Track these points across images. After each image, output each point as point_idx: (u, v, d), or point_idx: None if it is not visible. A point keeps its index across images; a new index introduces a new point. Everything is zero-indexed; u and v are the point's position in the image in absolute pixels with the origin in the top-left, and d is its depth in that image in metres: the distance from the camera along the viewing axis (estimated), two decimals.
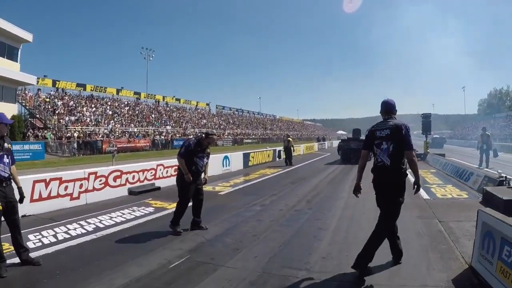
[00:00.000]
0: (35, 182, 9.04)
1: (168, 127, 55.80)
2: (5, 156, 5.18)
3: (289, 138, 24.53)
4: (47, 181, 9.42)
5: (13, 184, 5.38)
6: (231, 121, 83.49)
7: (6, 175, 5.15)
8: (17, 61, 36.61)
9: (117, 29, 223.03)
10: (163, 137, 47.92)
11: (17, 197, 5.38)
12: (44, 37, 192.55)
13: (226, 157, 19.36)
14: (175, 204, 7.53)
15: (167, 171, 13.89)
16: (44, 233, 7.08)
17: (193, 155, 7.25)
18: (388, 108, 5.11)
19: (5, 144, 5.23)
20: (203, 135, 7.54)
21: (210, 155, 7.87)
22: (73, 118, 42.06)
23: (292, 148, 24.42)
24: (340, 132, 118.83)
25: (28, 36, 36.68)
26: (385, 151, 4.80)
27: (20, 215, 5.46)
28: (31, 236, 6.70)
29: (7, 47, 35.11)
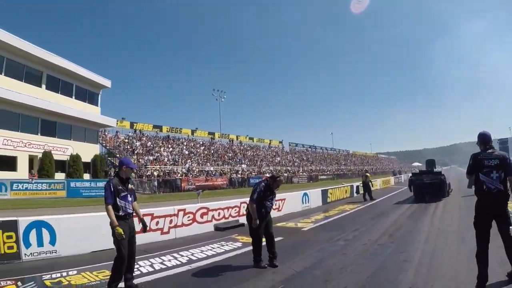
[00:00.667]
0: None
1: (243, 166, 55.69)
2: (129, 195, 6.05)
3: (367, 174, 23.73)
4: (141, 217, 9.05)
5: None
6: (304, 158, 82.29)
7: (130, 211, 6.06)
8: (97, 105, 39.85)
9: (189, 73, 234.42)
10: (239, 175, 47.64)
11: (138, 228, 6.33)
12: (122, 83, 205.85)
13: (305, 194, 19.14)
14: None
15: (247, 208, 13.44)
16: (141, 263, 7.52)
17: (263, 199, 7.53)
18: (485, 139, 5.65)
19: (129, 186, 6.14)
20: (270, 179, 7.73)
21: (288, 193, 8.16)
22: (151, 157, 43.08)
23: (370, 183, 23.41)
24: (415, 164, 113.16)
25: (107, 82, 40.18)
26: (497, 179, 5.36)
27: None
28: None
29: (88, 93, 38.33)
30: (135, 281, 6.18)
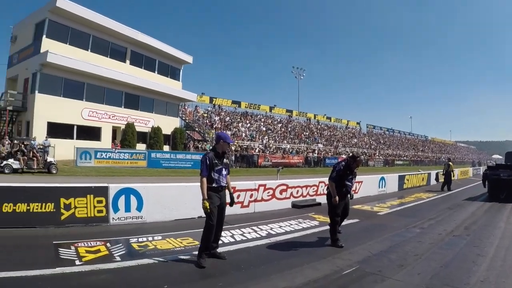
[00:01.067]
0: None
1: (319, 145, 54.94)
2: (223, 169, 6.26)
3: (450, 162, 22.43)
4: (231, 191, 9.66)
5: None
6: (381, 141, 79.62)
7: (224, 184, 6.28)
8: (179, 80, 41.19)
9: (269, 49, 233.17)
10: (315, 155, 47.17)
11: (227, 200, 6.49)
12: (203, 58, 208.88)
13: (382, 178, 18.73)
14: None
15: (327, 188, 13.57)
16: (222, 233, 7.14)
17: (343, 178, 7.60)
18: None
19: (225, 160, 6.36)
20: (351, 159, 7.78)
21: (365, 176, 9.10)
22: (229, 132, 43.37)
23: (452, 173, 22.19)
24: (495, 156, 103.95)
25: (188, 58, 41.29)
26: None
27: (197, 216, 7.37)
28: None
29: (170, 68, 39.68)
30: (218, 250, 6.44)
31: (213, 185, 6.08)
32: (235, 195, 10.19)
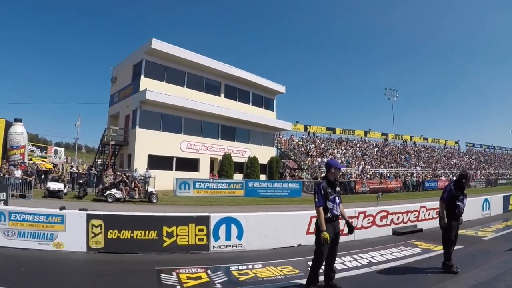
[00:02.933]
0: (312, 217, 9.63)
1: (418, 168, 52.44)
2: (337, 197, 6.02)
3: None
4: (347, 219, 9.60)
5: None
6: (482, 160, 74.04)
7: (337, 213, 6.02)
8: (273, 110, 41.77)
9: (361, 74, 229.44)
10: (414, 178, 44.92)
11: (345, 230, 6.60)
12: (296, 88, 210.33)
13: (486, 200, 17.42)
14: (440, 247, 7.87)
15: (429, 213, 13.72)
16: None
17: (455, 198, 7.26)
18: None
19: (337, 188, 6.11)
20: (460, 177, 7.50)
21: (467, 198, 7.79)
22: (325, 159, 42.89)
23: None
24: None
25: (281, 88, 41.76)
26: None
27: (296, 245, 7.34)
28: (310, 263, 6.48)
29: (263, 99, 40.45)
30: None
31: (328, 215, 5.90)
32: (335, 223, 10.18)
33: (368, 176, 41.66)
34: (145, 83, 28.92)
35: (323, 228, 5.71)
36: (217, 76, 34.77)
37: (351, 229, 6.31)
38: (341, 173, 5.93)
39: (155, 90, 28.35)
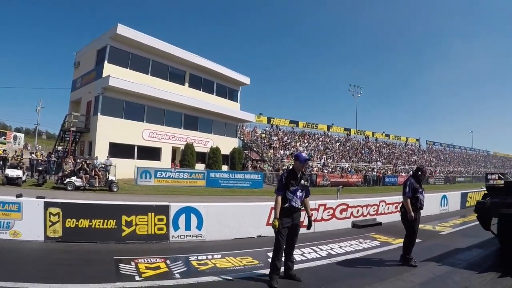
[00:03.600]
0: (271, 208, 9.31)
1: (378, 163, 53.81)
2: (299, 190, 6.06)
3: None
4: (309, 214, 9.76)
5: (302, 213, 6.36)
6: (442, 158, 77.02)
7: (296, 205, 6.01)
8: (237, 101, 41.85)
9: (325, 68, 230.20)
10: (374, 173, 46.05)
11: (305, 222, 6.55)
12: (261, 80, 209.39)
13: (444, 197, 18.08)
14: (399, 240, 8.63)
15: (388, 208, 14.06)
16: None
17: (416, 191, 7.49)
18: None
19: (302, 181, 6.15)
20: (416, 171, 7.83)
21: (426, 194, 8.50)
22: (287, 152, 43.58)
23: None
24: None
25: (246, 79, 41.92)
26: None
27: (256, 235, 7.32)
28: (269, 254, 6.64)
29: (228, 90, 40.44)
30: None
31: (285, 205, 5.95)
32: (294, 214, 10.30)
33: (330, 169, 42.48)
34: (109, 69, 28.38)
35: (275, 216, 5.86)
36: (182, 65, 34.51)
37: (309, 224, 6.39)
38: (305, 166, 5.73)
39: (119, 76, 27.94)
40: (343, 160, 49.61)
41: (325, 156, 47.75)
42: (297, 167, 6.16)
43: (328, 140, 56.13)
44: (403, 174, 49.46)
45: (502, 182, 8.66)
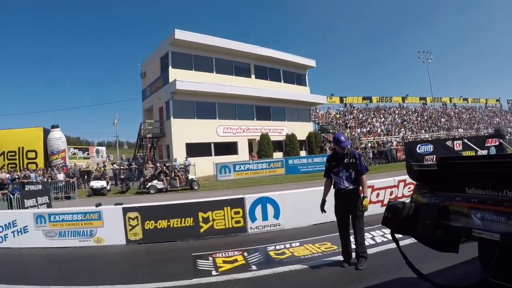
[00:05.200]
0: None
1: (460, 130, 51.09)
2: (343, 171, 5.69)
3: None
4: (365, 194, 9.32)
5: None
6: None
7: (343, 187, 5.66)
8: (306, 85, 41.30)
9: (393, 38, 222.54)
10: None
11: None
12: (326, 61, 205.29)
13: None
14: None
15: None
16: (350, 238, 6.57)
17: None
18: None
19: (346, 160, 5.69)
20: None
21: None
22: (364, 130, 42.51)
23: None
24: None
25: (311, 62, 41.34)
26: None
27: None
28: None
29: (295, 75, 39.92)
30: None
31: (335, 188, 5.82)
32: (374, 193, 9.87)
33: None
34: (174, 73, 29.18)
35: (322, 199, 5.90)
36: (245, 58, 34.60)
37: (361, 206, 5.60)
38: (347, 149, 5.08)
39: (185, 79, 28.56)
40: (422, 131, 47.52)
41: (403, 129, 46.16)
42: (338, 150, 5.82)
43: (404, 112, 53.92)
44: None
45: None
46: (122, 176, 22.60)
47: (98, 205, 8.69)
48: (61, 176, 21.57)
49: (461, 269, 4.94)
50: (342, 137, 5.81)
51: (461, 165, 3.68)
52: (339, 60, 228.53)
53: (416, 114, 54.37)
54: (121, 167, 25.75)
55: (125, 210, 8.43)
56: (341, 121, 45.68)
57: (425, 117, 53.93)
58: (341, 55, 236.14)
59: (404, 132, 44.95)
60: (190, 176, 21.66)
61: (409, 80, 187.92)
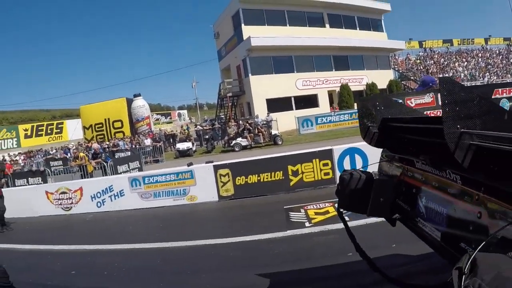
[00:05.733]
0: None
1: None
2: None
3: None
4: None
5: None
6: None
7: None
8: (383, 31, 39.16)
9: None
10: None
11: None
12: (400, 1, 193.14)
13: None
14: None
15: None
16: None
17: None
18: None
19: None
20: None
21: None
22: (446, 75, 40.03)
23: None
24: None
25: (386, 6, 38.87)
26: None
27: None
28: None
29: (370, 21, 38.07)
30: None
31: None
32: None
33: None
34: (247, 30, 29.07)
35: None
36: (317, 7, 33.39)
37: None
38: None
39: (259, 35, 28.33)
40: (508, 75, 43.79)
41: (488, 73, 43.10)
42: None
43: (488, 55, 49.64)
44: None
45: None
46: (207, 136, 23.27)
47: (189, 164, 8.91)
48: (148, 142, 22.73)
49: (430, 260, 3.68)
50: (433, 79, 5.35)
51: (403, 130, 2.61)
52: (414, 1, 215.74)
53: (500, 56, 49.86)
54: (205, 128, 26.34)
55: (216, 168, 8.61)
56: (421, 67, 43.58)
57: (511, 60, 49.38)
58: None
59: (488, 76, 42.11)
60: (273, 132, 21.80)
61: (492, 19, 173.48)
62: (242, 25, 29.59)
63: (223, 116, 32.74)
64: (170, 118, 58.68)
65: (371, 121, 2.69)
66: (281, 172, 8.40)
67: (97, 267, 5.54)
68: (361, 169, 3.01)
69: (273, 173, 8.41)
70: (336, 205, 6.58)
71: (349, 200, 2.93)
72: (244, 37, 28.86)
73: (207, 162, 9.14)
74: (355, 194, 2.82)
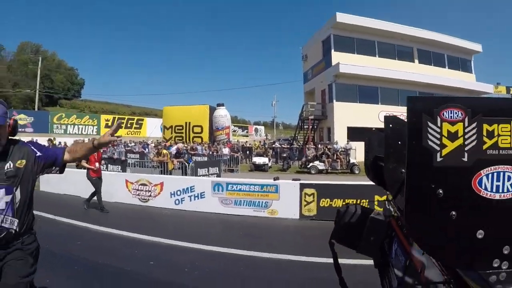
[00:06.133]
0: None
1: None
2: None
3: None
4: None
5: None
6: None
7: None
8: (471, 72, 38.26)
9: None
10: None
11: None
12: (494, 45, 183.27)
13: None
14: None
15: None
16: None
17: None
18: None
19: None
20: None
21: None
22: None
23: None
24: None
25: (477, 47, 38.11)
26: None
27: None
28: None
29: (460, 61, 37.18)
30: None
31: None
32: None
33: None
34: (336, 57, 29.43)
35: None
36: (408, 41, 33.28)
37: None
38: None
39: (347, 62, 28.62)
40: None
41: None
42: None
43: None
44: None
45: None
46: (284, 155, 23.64)
47: (276, 179, 9.24)
48: (226, 151, 23.44)
49: None
50: None
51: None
52: (506, 43, 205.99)
53: None
54: (283, 146, 26.84)
55: (302, 186, 8.82)
56: None
57: None
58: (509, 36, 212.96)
59: None
60: (351, 160, 21.76)
61: None
62: (332, 50, 30.06)
63: (301, 137, 33.14)
64: (247, 132, 59.93)
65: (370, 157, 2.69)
66: (367, 200, 8.12)
67: (176, 263, 5.78)
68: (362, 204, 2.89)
69: (358, 200, 8.27)
70: None
71: (343, 233, 2.69)
72: (333, 63, 29.25)
73: (294, 179, 9.40)
74: (348, 229, 2.64)
